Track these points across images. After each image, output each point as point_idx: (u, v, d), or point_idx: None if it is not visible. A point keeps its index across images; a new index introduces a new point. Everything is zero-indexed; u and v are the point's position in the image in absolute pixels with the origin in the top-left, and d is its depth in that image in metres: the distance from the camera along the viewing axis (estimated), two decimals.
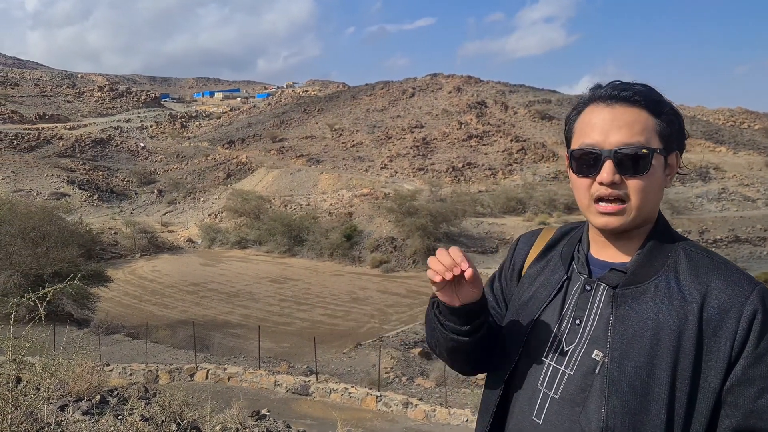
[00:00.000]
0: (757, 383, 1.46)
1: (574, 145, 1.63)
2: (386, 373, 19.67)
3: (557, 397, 1.59)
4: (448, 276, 1.56)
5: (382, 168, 65.91)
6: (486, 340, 1.74)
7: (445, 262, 1.57)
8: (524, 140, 72.29)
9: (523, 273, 1.84)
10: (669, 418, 1.47)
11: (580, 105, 1.66)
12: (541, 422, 1.60)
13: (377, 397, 17.09)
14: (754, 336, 1.47)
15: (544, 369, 1.64)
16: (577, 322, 1.62)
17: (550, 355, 1.64)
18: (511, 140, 71.79)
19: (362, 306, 30.67)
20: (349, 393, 17.57)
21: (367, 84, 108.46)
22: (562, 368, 1.61)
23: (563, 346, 1.62)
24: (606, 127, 1.56)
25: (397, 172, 64.50)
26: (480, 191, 55.57)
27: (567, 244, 1.79)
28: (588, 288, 1.64)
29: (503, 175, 63.20)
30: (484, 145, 71.59)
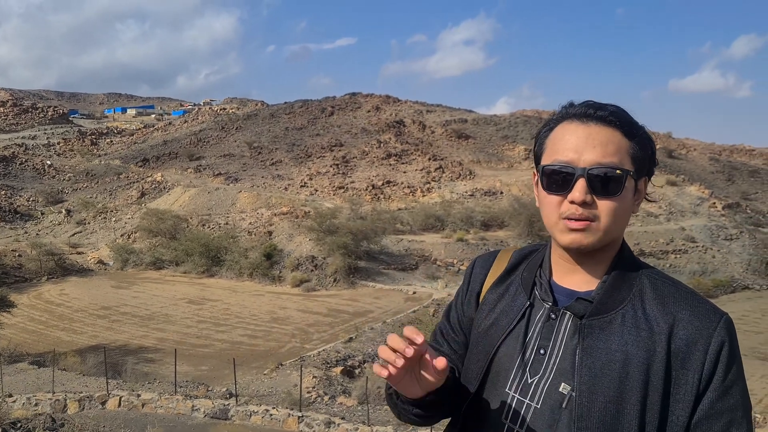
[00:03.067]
0: (724, 416, 1.44)
1: (546, 161, 1.56)
2: (308, 392, 19.48)
3: (523, 431, 1.53)
4: (399, 363, 1.40)
5: (301, 186, 65.59)
6: (453, 394, 1.66)
7: (396, 344, 1.41)
8: (442, 159, 73.75)
9: (481, 298, 1.76)
10: None
11: (552, 122, 1.60)
12: None
13: (299, 417, 16.90)
14: (721, 368, 1.44)
15: (508, 401, 1.57)
16: (542, 351, 1.56)
17: (514, 387, 1.57)
18: (429, 159, 73.08)
19: (283, 326, 30.28)
20: (270, 415, 17.29)
21: (286, 102, 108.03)
22: (526, 401, 1.54)
23: (527, 378, 1.56)
24: (580, 145, 1.50)
25: (317, 191, 64.35)
26: (399, 209, 56.18)
27: (527, 268, 1.71)
28: (553, 316, 1.58)
29: (422, 193, 64.17)
30: (402, 163, 72.54)
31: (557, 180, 1.52)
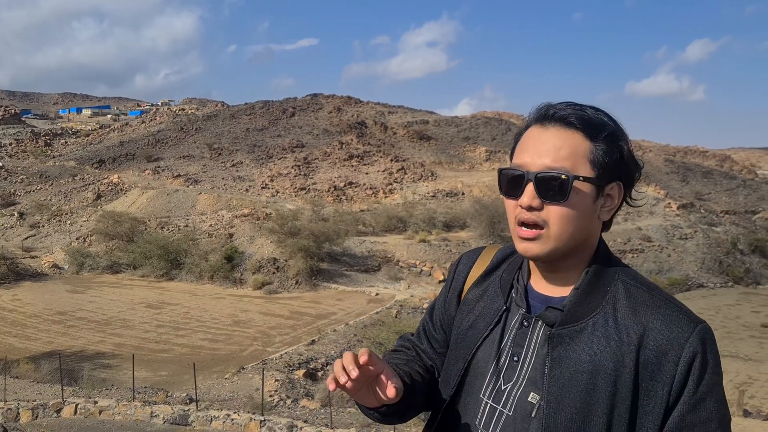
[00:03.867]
0: (696, 429, 1.40)
1: (507, 165, 1.57)
2: (270, 396, 19.27)
3: None
4: (342, 380, 1.44)
5: (263, 188, 65.00)
6: (423, 394, 1.68)
7: (346, 363, 1.45)
8: (404, 160, 73.94)
9: (462, 296, 1.76)
10: None
11: (527, 125, 1.59)
12: None
13: (261, 421, 16.71)
14: (692, 380, 1.40)
15: (482, 407, 1.58)
16: (515, 359, 1.55)
17: (488, 393, 1.57)
18: (391, 160, 73.20)
19: (244, 329, 29.93)
20: (232, 419, 17.06)
21: (246, 103, 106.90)
22: (499, 407, 1.54)
23: (501, 384, 1.56)
24: (536, 149, 1.48)
25: (278, 192, 63.85)
26: (362, 210, 56.12)
27: (507, 269, 1.71)
28: (526, 324, 1.57)
29: (384, 194, 64.22)
30: (364, 164, 72.51)
31: (512, 184, 1.52)
